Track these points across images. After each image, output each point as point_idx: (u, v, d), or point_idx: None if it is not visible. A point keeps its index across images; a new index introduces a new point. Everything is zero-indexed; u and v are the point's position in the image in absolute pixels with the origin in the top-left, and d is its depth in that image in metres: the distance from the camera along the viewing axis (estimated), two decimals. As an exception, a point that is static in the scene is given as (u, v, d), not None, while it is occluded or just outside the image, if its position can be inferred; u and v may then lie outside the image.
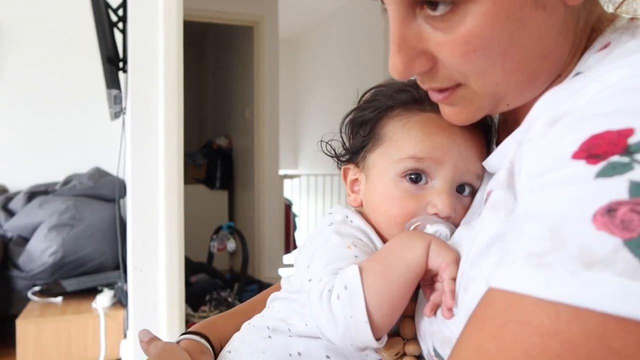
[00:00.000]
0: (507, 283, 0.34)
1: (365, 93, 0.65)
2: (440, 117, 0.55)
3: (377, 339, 0.49)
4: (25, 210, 2.79)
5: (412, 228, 0.56)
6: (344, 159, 0.66)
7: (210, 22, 4.54)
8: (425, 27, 0.45)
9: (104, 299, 2.49)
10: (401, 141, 0.58)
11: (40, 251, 2.60)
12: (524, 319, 0.32)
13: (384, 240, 0.59)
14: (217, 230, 3.61)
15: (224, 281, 3.34)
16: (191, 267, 3.15)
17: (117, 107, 2.11)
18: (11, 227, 2.74)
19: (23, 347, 2.33)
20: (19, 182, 3.12)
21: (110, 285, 2.60)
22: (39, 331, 2.36)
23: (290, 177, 5.71)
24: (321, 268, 0.55)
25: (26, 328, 2.34)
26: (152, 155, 1.94)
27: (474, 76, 0.46)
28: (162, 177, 1.94)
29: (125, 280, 2.19)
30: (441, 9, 0.43)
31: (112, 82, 2.06)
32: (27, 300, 2.58)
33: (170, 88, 1.93)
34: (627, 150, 0.32)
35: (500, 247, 0.39)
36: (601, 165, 0.33)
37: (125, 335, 2.39)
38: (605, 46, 0.45)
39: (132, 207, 1.95)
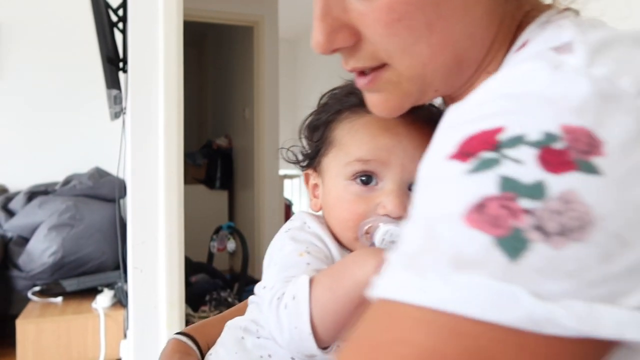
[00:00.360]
0: (383, 290, 0.32)
1: (322, 97, 0.66)
2: (386, 118, 0.54)
3: (324, 349, 0.50)
4: (25, 210, 2.79)
5: (365, 228, 0.56)
6: (304, 165, 0.66)
7: (210, 22, 4.54)
8: None
9: (104, 299, 2.49)
10: (349, 144, 0.59)
11: (40, 251, 2.60)
12: (400, 338, 0.30)
13: (341, 244, 0.60)
14: (217, 230, 3.61)
15: (224, 281, 3.34)
16: (191, 267, 3.14)
17: (117, 107, 2.11)
18: (11, 227, 2.73)
19: (23, 347, 2.33)
20: (19, 182, 3.12)
21: (110, 286, 2.60)
22: (39, 331, 2.36)
23: (290, 177, 5.71)
24: (274, 275, 0.55)
25: (26, 328, 2.34)
26: (152, 155, 1.94)
27: (399, 52, 0.43)
28: (162, 177, 1.93)
29: (125, 280, 2.19)
30: None
31: (112, 82, 2.06)
32: (27, 300, 2.58)
33: (170, 88, 1.93)
34: (496, 147, 0.31)
35: None
36: (472, 161, 0.31)
37: (125, 336, 2.38)
38: (523, 45, 0.43)
39: (132, 207, 1.95)
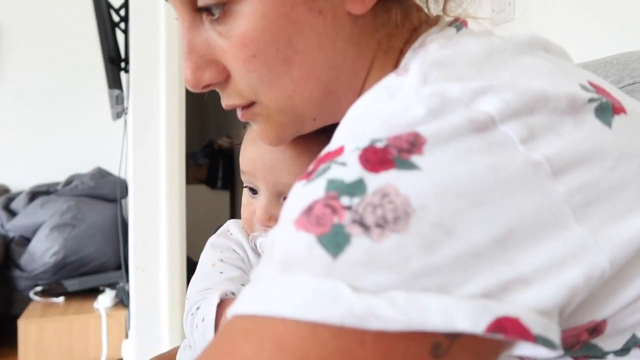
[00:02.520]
0: (232, 308, 0.31)
1: None
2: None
3: None
4: (27, 210, 2.79)
5: (251, 239, 0.59)
6: None
7: (212, 22, 4.52)
8: (211, 34, 0.43)
9: (106, 299, 2.49)
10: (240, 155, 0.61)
11: (42, 251, 2.60)
12: (229, 351, 0.29)
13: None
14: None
15: (225, 281, 3.34)
16: (193, 267, 3.14)
17: (118, 107, 2.11)
18: (13, 227, 2.74)
19: (25, 347, 2.33)
20: (20, 182, 3.12)
21: (112, 286, 2.60)
22: (40, 331, 2.36)
23: (292, 177, 5.71)
24: (192, 285, 0.57)
25: (28, 328, 2.34)
26: (154, 155, 1.94)
27: (263, 88, 0.44)
28: (164, 177, 1.94)
29: (127, 281, 2.19)
30: (217, 12, 0.41)
31: (114, 82, 2.06)
32: (29, 300, 2.58)
33: (172, 88, 1.93)
34: (331, 160, 0.32)
35: None
36: (313, 174, 0.32)
37: (127, 336, 2.38)
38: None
39: (134, 207, 1.95)
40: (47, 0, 3.20)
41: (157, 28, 1.93)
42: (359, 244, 0.28)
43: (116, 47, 2.07)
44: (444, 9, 0.47)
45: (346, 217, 0.28)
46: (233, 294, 0.54)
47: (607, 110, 0.34)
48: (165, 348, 1.94)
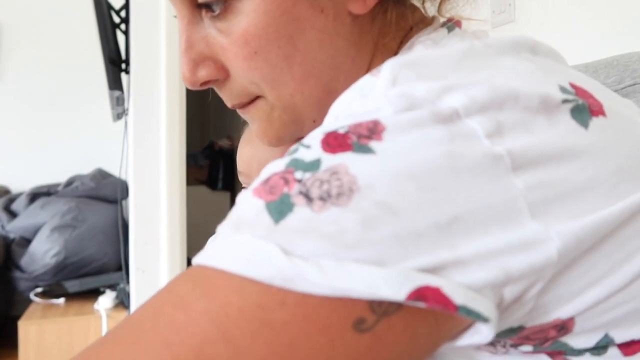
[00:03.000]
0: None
1: None
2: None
3: None
4: (27, 211, 2.79)
5: None
6: None
7: (213, 23, 4.53)
8: (210, 31, 0.43)
9: (106, 300, 2.49)
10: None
11: (43, 252, 2.60)
12: (170, 288, 0.32)
13: None
14: (219, 231, 3.61)
15: (226, 282, 3.34)
16: (193, 268, 3.14)
17: (119, 109, 2.11)
18: (13, 228, 2.74)
19: (25, 348, 2.33)
20: (21, 183, 3.12)
21: (112, 287, 2.60)
22: (41, 332, 2.36)
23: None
24: None
25: (28, 329, 2.34)
26: (154, 156, 1.94)
27: (266, 85, 0.44)
28: (164, 178, 1.94)
29: (128, 282, 2.19)
30: (217, 8, 0.42)
31: (115, 83, 2.06)
32: (29, 301, 2.58)
33: (172, 89, 1.93)
34: (300, 143, 0.34)
35: None
36: (284, 156, 0.34)
37: (127, 337, 2.38)
38: None
39: (134, 208, 1.95)
40: (48, 1, 3.21)
41: (158, 29, 1.93)
42: (300, 213, 0.30)
43: (117, 48, 2.07)
44: (438, 10, 0.48)
45: (294, 189, 0.30)
46: None
47: (584, 111, 0.34)
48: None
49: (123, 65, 2.08)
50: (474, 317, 0.29)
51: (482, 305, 0.29)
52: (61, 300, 2.57)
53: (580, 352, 0.35)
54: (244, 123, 0.55)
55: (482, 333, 0.30)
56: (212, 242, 0.33)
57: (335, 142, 0.32)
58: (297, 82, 0.43)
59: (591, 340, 0.34)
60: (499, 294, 0.30)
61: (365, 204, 0.29)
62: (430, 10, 0.48)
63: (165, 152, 1.93)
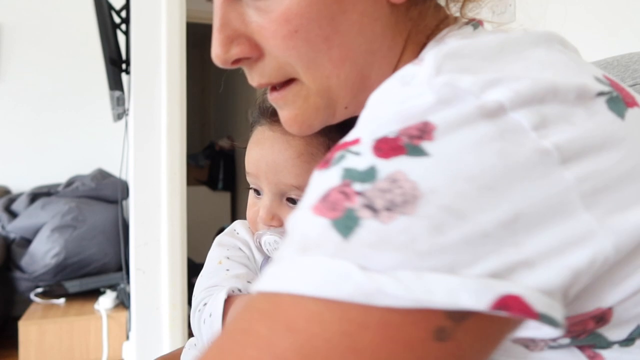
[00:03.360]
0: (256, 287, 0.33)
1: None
2: (268, 129, 0.57)
3: None
4: (28, 211, 2.79)
5: (256, 237, 0.60)
6: None
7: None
8: (248, 10, 0.43)
9: (107, 300, 2.49)
10: (246, 154, 0.62)
11: (43, 252, 2.60)
12: (245, 328, 0.30)
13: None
14: (220, 231, 3.60)
15: (226, 283, 3.34)
16: (194, 268, 3.14)
17: (119, 109, 2.11)
18: (14, 228, 2.74)
19: (25, 348, 2.33)
20: (21, 183, 3.13)
21: (112, 287, 2.60)
22: (41, 333, 2.36)
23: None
24: (199, 283, 0.58)
25: (28, 330, 2.35)
26: (155, 156, 1.94)
27: (302, 66, 0.43)
28: (165, 179, 1.93)
29: (128, 282, 2.19)
30: None
31: (115, 83, 2.06)
32: (30, 301, 2.58)
33: (173, 89, 1.93)
34: (346, 149, 0.33)
35: None
36: (330, 163, 0.33)
37: (127, 337, 2.38)
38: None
39: (135, 209, 1.95)
40: (49, 1, 3.21)
41: (158, 30, 1.93)
42: (368, 226, 0.29)
43: (117, 49, 2.07)
44: (461, 11, 0.48)
45: (357, 202, 0.30)
46: (240, 290, 0.55)
47: (619, 102, 0.34)
48: (166, 349, 1.94)
49: (123, 66, 2.08)
50: (551, 324, 0.29)
51: (557, 311, 0.29)
52: (61, 300, 2.57)
53: (611, 343, 0.35)
54: (246, 124, 0.55)
55: (542, 330, 0.30)
56: (270, 269, 0.32)
57: (386, 146, 0.31)
58: (334, 64, 0.43)
59: (625, 332, 0.35)
60: (566, 295, 0.30)
61: (431, 210, 0.29)
62: (453, 10, 0.49)
63: (165, 153, 1.93)
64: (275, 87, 0.47)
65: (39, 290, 2.58)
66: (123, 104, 2.10)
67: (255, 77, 0.47)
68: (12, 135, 3.21)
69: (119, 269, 2.53)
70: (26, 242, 2.71)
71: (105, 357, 2.39)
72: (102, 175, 3.08)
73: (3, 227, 2.76)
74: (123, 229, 2.40)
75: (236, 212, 5.10)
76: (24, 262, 2.63)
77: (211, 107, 5.96)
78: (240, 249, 0.61)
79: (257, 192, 0.61)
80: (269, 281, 0.31)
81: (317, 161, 0.55)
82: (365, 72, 0.45)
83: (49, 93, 3.24)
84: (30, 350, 2.34)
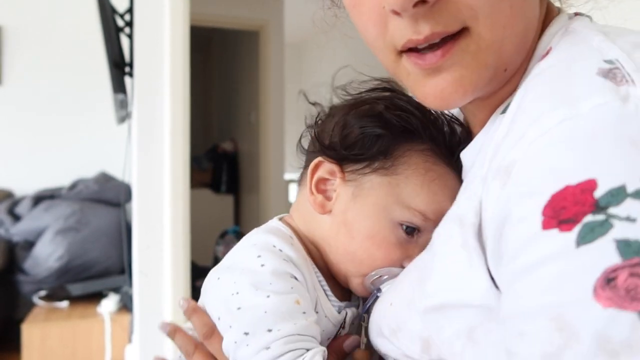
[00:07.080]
0: None
1: (349, 84, 0.61)
2: (446, 164, 0.53)
3: None
4: (31, 214, 2.79)
5: (375, 276, 0.53)
6: (328, 152, 0.57)
7: (216, 26, 4.54)
8: None
9: (110, 303, 2.49)
10: (418, 189, 0.53)
11: (46, 255, 2.60)
12: None
13: (322, 269, 0.55)
14: (223, 234, 3.60)
15: (229, 286, 3.33)
16: (197, 271, 3.14)
17: (123, 112, 2.11)
18: (17, 231, 2.74)
19: (28, 351, 2.33)
20: (25, 186, 3.13)
21: (115, 290, 2.60)
22: (44, 335, 2.36)
23: (296, 181, 5.71)
24: (265, 328, 0.48)
25: (32, 332, 2.35)
26: (158, 159, 1.94)
27: (485, 9, 0.40)
28: (168, 182, 1.93)
29: (131, 285, 2.18)
30: None
31: (118, 86, 2.06)
32: (33, 304, 2.58)
33: (176, 92, 1.93)
34: (598, 207, 0.28)
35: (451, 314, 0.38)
36: (577, 230, 0.28)
37: (130, 340, 2.38)
38: (547, 52, 0.43)
39: (138, 212, 1.95)
40: (52, 4, 3.22)
41: (162, 33, 1.93)
42: None
43: (121, 52, 2.08)
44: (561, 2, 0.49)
45: None
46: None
47: None
48: (168, 353, 1.94)
49: (127, 69, 2.08)
50: None
51: None
52: (64, 303, 2.57)
53: None
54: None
55: None
56: None
57: None
58: (513, 14, 0.41)
59: None
60: None
61: None
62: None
63: (168, 155, 1.93)
64: (432, 47, 0.42)
65: (42, 293, 2.58)
66: (126, 106, 2.10)
67: (427, 27, 0.40)
68: (16, 138, 3.21)
69: (122, 272, 2.53)
70: (29, 245, 2.71)
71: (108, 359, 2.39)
72: (105, 178, 3.08)
73: (6, 230, 2.77)
74: (126, 231, 2.40)
75: (239, 214, 5.09)
76: (27, 265, 2.63)
77: (214, 109, 5.97)
78: (295, 277, 0.51)
79: (410, 232, 0.53)
80: None
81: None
82: (523, 34, 0.43)
83: (52, 96, 3.24)
84: (33, 353, 2.34)
